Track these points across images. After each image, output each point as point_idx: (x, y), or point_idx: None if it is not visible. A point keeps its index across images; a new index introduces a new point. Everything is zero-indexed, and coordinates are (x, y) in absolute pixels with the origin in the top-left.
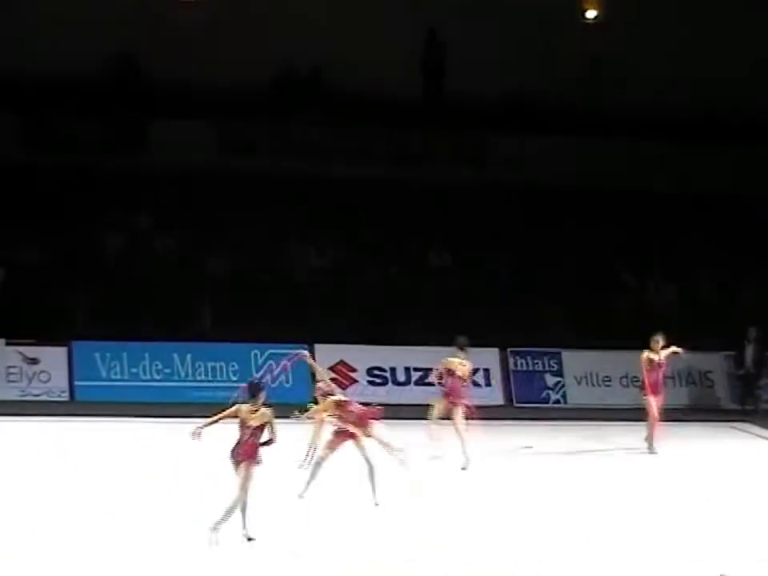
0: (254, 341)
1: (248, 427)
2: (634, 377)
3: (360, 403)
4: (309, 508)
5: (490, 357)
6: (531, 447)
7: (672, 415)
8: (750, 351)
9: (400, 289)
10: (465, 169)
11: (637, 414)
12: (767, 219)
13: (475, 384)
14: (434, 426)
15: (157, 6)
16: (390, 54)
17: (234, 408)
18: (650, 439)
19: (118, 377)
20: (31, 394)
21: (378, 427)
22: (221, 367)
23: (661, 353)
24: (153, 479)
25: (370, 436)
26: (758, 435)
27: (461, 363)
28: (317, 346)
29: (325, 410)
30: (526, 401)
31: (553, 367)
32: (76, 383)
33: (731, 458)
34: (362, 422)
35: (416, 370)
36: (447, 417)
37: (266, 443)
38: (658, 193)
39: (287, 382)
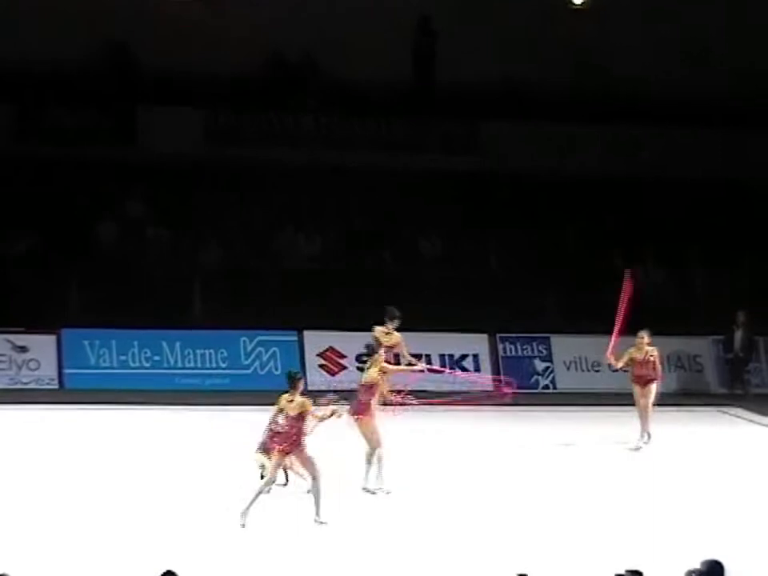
0: (243, 328)
1: (287, 417)
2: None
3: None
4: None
5: (479, 342)
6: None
7: (661, 400)
8: (738, 335)
9: (391, 276)
10: (456, 156)
11: (626, 399)
12: (757, 204)
13: (464, 369)
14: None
15: None
16: (381, 42)
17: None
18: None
19: (107, 364)
20: (20, 382)
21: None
22: (210, 354)
23: (645, 349)
24: (143, 466)
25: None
26: (747, 419)
27: (386, 333)
28: (306, 333)
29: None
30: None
31: (542, 352)
32: (65, 371)
33: (721, 443)
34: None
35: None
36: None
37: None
38: (650, 178)
39: (276, 370)
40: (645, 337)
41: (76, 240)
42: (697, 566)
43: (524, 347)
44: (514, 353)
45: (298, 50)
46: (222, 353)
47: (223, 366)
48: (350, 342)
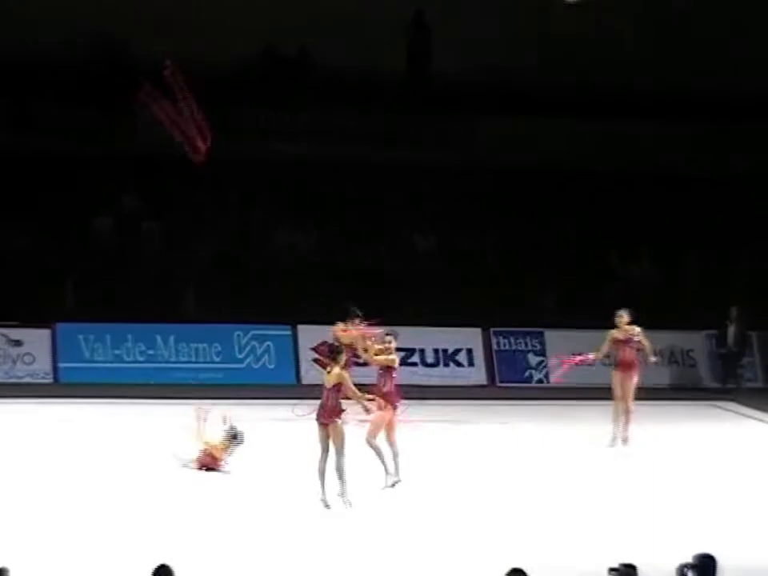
0: (238, 322)
1: (326, 389)
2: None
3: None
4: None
5: (472, 336)
6: (506, 423)
7: (654, 395)
8: (731, 330)
9: (385, 270)
10: (450, 151)
11: None
12: (751, 200)
13: (458, 364)
14: None
15: None
16: (374, 35)
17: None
18: (617, 423)
19: (102, 358)
20: (15, 376)
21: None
22: (204, 348)
23: (626, 329)
24: (138, 460)
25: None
26: (741, 414)
27: (342, 329)
28: (300, 327)
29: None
30: (509, 380)
31: (536, 347)
32: (60, 365)
33: (713, 437)
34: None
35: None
36: None
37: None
38: (646, 174)
39: (270, 364)
40: (624, 315)
41: (71, 234)
42: (689, 560)
43: (518, 341)
44: (507, 347)
45: (293, 43)
46: (216, 347)
47: (217, 359)
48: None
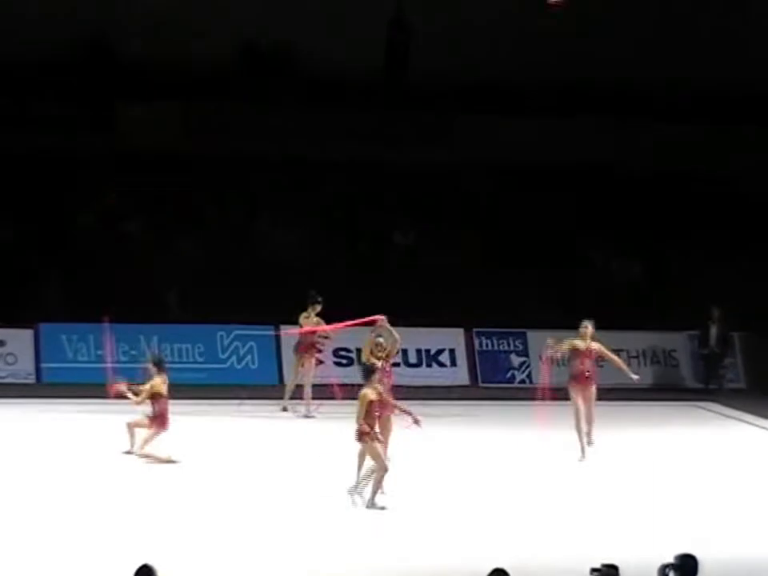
0: (220, 322)
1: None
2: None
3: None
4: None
5: (454, 337)
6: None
7: (636, 395)
8: (714, 331)
9: (367, 270)
10: (431, 149)
11: (605, 394)
12: (736, 200)
13: (440, 364)
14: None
15: None
16: (355, 34)
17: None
18: (581, 433)
19: (85, 359)
20: None
21: None
22: (186, 349)
23: (588, 341)
24: (120, 460)
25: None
26: (723, 414)
27: (306, 317)
28: (283, 327)
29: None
30: (492, 381)
31: (518, 347)
32: (42, 365)
33: (695, 438)
34: None
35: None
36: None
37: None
38: (626, 170)
39: (253, 363)
40: (589, 327)
41: (53, 233)
42: (671, 560)
43: (500, 342)
44: (490, 347)
45: (272, 41)
46: (199, 347)
47: (200, 360)
48: None
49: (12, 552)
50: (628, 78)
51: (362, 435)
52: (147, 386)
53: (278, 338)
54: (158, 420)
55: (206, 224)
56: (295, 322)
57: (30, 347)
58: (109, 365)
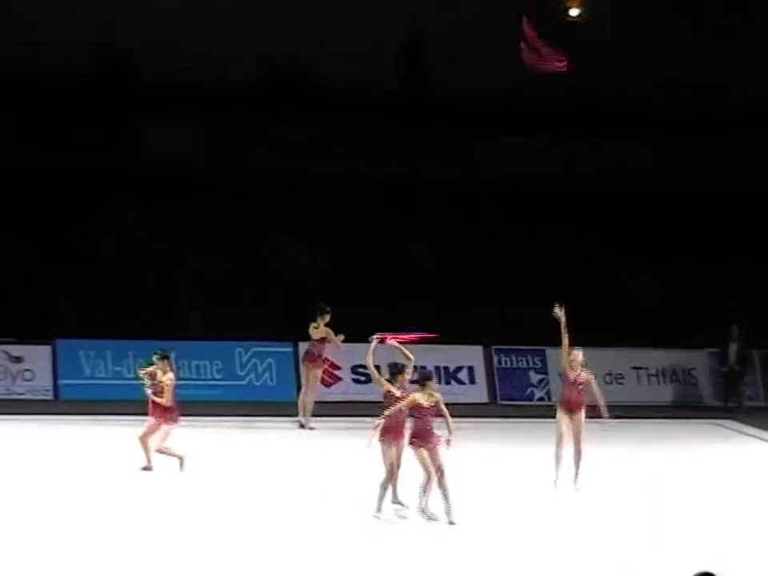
0: (239, 339)
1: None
2: (618, 374)
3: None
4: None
5: (473, 354)
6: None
7: (656, 412)
8: (733, 349)
9: (386, 287)
10: (449, 167)
11: (623, 411)
12: (754, 217)
13: (459, 381)
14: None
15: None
16: (372, 52)
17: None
18: (560, 465)
19: (102, 375)
20: (15, 392)
21: None
22: (205, 366)
23: (578, 370)
24: (139, 476)
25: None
26: (742, 432)
27: (315, 327)
28: (301, 344)
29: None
30: (510, 398)
31: (537, 364)
32: (60, 382)
33: (715, 456)
34: None
35: None
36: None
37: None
38: (646, 190)
39: (272, 380)
40: (579, 355)
41: (71, 251)
42: None
43: (519, 359)
44: (509, 365)
45: (289, 59)
46: (217, 364)
47: (218, 377)
48: (345, 354)
49: (32, 566)
50: (648, 95)
51: (411, 440)
52: (166, 382)
53: (296, 354)
54: (171, 413)
55: (225, 241)
56: (308, 339)
57: (48, 363)
58: None
